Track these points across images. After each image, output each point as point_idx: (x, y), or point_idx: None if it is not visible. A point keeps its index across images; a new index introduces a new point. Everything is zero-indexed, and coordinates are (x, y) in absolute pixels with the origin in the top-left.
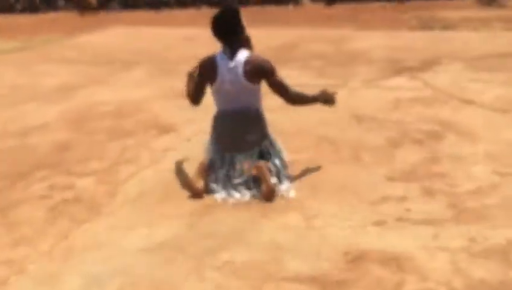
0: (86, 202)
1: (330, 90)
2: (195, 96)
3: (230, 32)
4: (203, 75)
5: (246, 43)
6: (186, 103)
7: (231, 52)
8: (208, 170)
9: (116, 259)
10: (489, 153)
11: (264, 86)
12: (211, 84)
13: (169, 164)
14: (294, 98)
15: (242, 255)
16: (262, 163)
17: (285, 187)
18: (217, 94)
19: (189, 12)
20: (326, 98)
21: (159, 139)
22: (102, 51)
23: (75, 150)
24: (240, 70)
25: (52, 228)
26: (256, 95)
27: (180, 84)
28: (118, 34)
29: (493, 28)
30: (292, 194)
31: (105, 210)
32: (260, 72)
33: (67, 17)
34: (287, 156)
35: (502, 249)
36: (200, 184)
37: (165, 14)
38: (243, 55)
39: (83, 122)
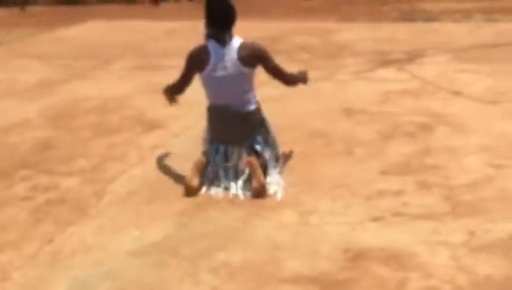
0: (72, 202)
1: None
2: (182, 87)
3: (231, 21)
4: (193, 65)
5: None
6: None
7: (225, 40)
8: (205, 167)
9: (105, 263)
10: (482, 145)
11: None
12: (201, 72)
13: (157, 161)
14: (290, 79)
15: (238, 256)
16: (253, 159)
17: (275, 181)
18: (209, 83)
19: (168, 6)
20: (305, 78)
21: (146, 136)
22: (82, 45)
23: (58, 148)
24: (235, 55)
25: (36, 230)
26: (250, 82)
27: (164, 79)
28: (96, 27)
29: (474, 19)
30: (280, 191)
31: (92, 211)
32: (256, 56)
33: (43, 10)
34: (279, 149)
35: (504, 244)
36: (195, 182)
37: (143, 7)
38: (237, 41)
39: (66, 119)
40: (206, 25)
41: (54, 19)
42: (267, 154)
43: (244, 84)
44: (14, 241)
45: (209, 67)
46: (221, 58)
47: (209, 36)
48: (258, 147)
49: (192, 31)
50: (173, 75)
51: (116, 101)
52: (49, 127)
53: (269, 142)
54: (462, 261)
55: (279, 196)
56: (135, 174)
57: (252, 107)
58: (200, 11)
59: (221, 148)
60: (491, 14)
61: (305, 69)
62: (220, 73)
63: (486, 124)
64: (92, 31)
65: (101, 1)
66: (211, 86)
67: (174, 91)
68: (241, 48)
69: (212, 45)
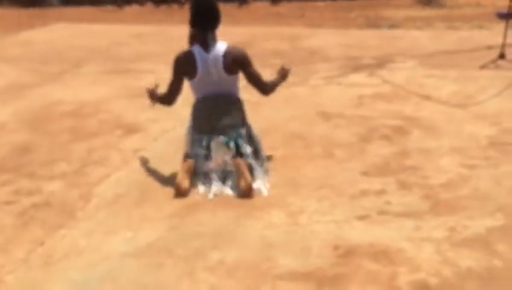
0: (58, 206)
1: (284, 67)
2: (172, 95)
3: (215, 23)
4: (181, 71)
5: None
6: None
7: (208, 43)
8: (194, 169)
9: (100, 265)
10: (454, 147)
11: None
12: (190, 78)
13: (141, 164)
14: (268, 89)
15: (233, 255)
16: (240, 160)
17: (260, 181)
18: (197, 85)
19: (134, 9)
20: (285, 74)
21: (125, 139)
22: (48, 48)
23: (37, 152)
24: (220, 62)
25: (24, 234)
26: (236, 84)
27: (135, 82)
28: (61, 30)
29: (435, 27)
30: (265, 187)
31: (80, 214)
32: (239, 63)
33: (2, 13)
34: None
35: (482, 239)
36: (186, 183)
37: (108, 10)
38: (221, 46)
39: (42, 123)
40: (190, 24)
41: (15, 21)
42: (248, 149)
43: (231, 83)
44: (2, 246)
45: (197, 75)
46: (206, 64)
47: (193, 37)
48: (241, 142)
49: (159, 35)
50: (145, 80)
51: (91, 105)
52: (26, 131)
53: (252, 136)
54: (445, 255)
55: (265, 192)
56: (120, 177)
57: (238, 97)
58: (165, 15)
59: (205, 138)
60: (450, 22)
61: (288, 66)
62: (207, 78)
63: (456, 127)
64: (57, 34)
65: (63, 3)
66: (198, 87)
67: (164, 101)
68: (226, 54)
69: (197, 50)
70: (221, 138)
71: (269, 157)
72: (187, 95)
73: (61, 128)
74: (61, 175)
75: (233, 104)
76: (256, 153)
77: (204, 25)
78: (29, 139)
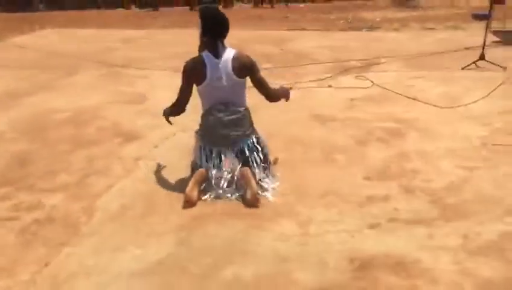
0: (60, 221)
1: (285, 86)
2: (183, 101)
3: (225, 31)
4: (191, 77)
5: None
6: (141, 108)
7: (218, 50)
8: (204, 179)
9: (110, 286)
10: (451, 149)
11: None
12: (198, 84)
13: (144, 173)
14: (273, 95)
15: (248, 270)
16: (246, 169)
17: (267, 187)
18: (206, 93)
19: (118, 13)
20: (285, 93)
21: (125, 147)
22: (40, 54)
23: (36, 163)
24: (230, 68)
25: (28, 254)
26: (243, 91)
27: (129, 88)
28: (51, 36)
29: (412, 28)
30: (271, 196)
31: (85, 230)
32: (247, 68)
33: None
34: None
35: (496, 245)
36: (195, 194)
37: (94, 14)
38: (230, 52)
39: (39, 132)
40: (202, 33)
41: (2, 26)
42: (258, 159)
43: (239, 90)
44: (5, 267)
45: (206, 80)
46: (216, 69)
47: (204, 44)
48: (250, 150)
49: (147, 40)
50: (139, 85)
51: (88, 112)
52: (24, 141)
53: (260, 142)
54: (463, 265)
55: (270, 198)
56: (123, 187)
57: (246, 105)
58: (150, 20)
59: (215, 151)
60: (425, 23)
61: (289, 85)
62: (216, 83)
63: (449, 128)
64: (47, 39)
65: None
66: (207, 93)
67: (174, 110)
68: (234, 59)
69: (207, 56)
70: (232, 149)
71: (275, 161)
72: None
73: (60, 137)
74: (63, 187)
75: (241, 113)
76: (265, 158)
77: (214, 33)
78: (28, 149)
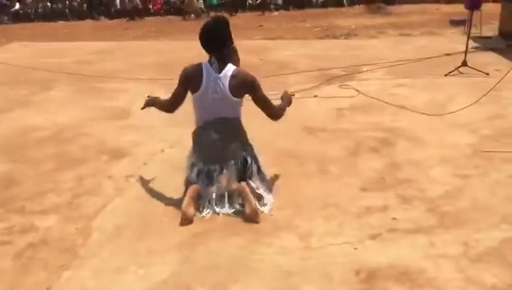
0: (56, 244)
1: (287, 92)
2: (173, 103)
3: (219, 45)
4: (186, 81)
5: (233, 54)
6: (124, 123)
7: (219, 65)
8: (199, 195)
9: None
10: (441, 157)
11: None
12: (193, 92)
13: (136, 192)
14: (277, 113)
15: (254, 287)
16: (244, 184)
17: (265, 202)
18: (199, 104)
19: (87, 24)
20: (289, 99)
21: (113, 165)
22: (12, 69)
23: (23, 184)
24: (226, 83)
25: (26, 279)
26: (238, 107)
27: (109, 103)
28: (21, 49)
29: (389, 34)
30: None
31: (82, 252)
32: (246, 86)
33: None
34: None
35: (496, 252)
36: (191, 210)
37: (62, 26)
38: (230, 69)
39: (21, 151)
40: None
41: None
42: (253, 173)
43: (234, 106)
44: None
45: (200, 89)
46: (212, 82)
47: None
48: (245, 166)
49: (119, 52)
50: (120, 99)
51: (69, 129)
52: (5, 161)
53: (255, 155)
54: (466, 273)
55: (267, 212)
56: (117, 206)
57: (239, 120)
58: (121, 30)
59: (211, 169)
60: (401, 29)
61: (290, 91)
62: (211, 95)
63: (437, 136)
64: (17, 53)
65: (15, 20)
66: (201, 104)
67: (161, 106)
68: (233, 77)
69: (206, 66)
70: (226, 165)
71: (275, 178)
72: (170, 115)
73: (43, 156)
74: (54, 208)
75: (235, 128)
76: (259, 170)
77: (207, 47)
78: (11, 170)
